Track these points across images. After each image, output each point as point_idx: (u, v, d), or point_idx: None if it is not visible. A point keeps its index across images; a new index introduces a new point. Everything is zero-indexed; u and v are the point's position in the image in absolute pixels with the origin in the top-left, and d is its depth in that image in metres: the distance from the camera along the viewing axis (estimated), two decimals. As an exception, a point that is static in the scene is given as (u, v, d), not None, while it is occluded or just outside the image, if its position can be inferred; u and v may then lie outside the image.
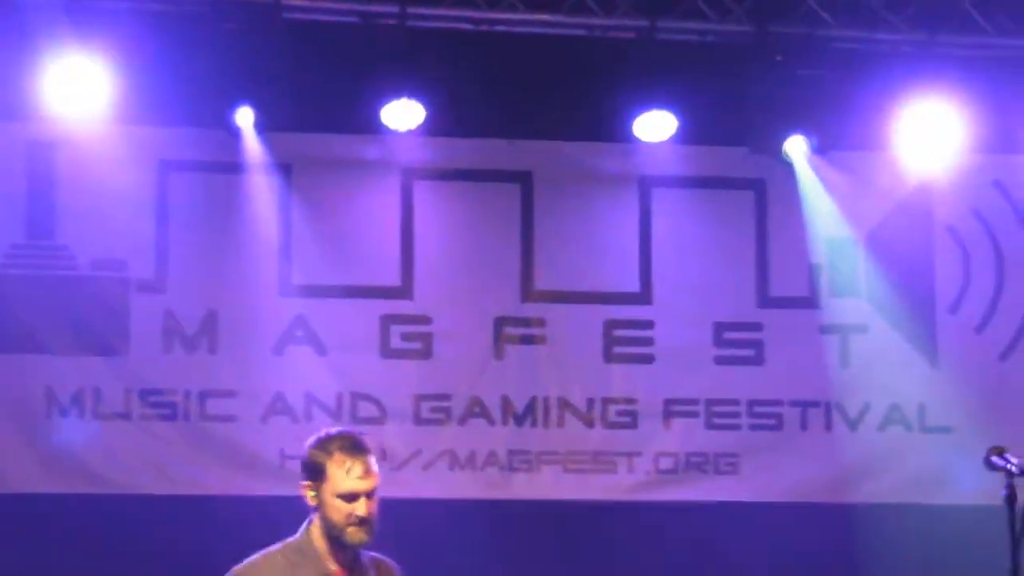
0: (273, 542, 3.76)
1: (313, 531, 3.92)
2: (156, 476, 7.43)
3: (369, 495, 3.74)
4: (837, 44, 7.58)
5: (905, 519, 7.90)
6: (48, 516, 7.34)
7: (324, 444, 3.84)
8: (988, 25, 7.60)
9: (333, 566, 3.95)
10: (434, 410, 7.70)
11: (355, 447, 3.80)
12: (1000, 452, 4.86)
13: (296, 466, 3.83)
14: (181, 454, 7.48)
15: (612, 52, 7.68)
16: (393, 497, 3.98)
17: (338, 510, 3.76)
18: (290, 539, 3.96)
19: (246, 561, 3.96)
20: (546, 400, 7.77)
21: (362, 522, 3.76)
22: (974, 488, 6.97)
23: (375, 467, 3.72)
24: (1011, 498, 4.58)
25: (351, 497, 3.75)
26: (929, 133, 7.57)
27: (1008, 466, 4.69)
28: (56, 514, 7.31)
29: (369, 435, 3.99)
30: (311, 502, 3.83)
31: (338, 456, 3.79)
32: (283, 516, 4.03)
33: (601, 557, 7.62)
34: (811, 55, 7.44)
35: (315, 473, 3.82)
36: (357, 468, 3.74)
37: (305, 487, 3.82)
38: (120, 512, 7.30)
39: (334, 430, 3.97)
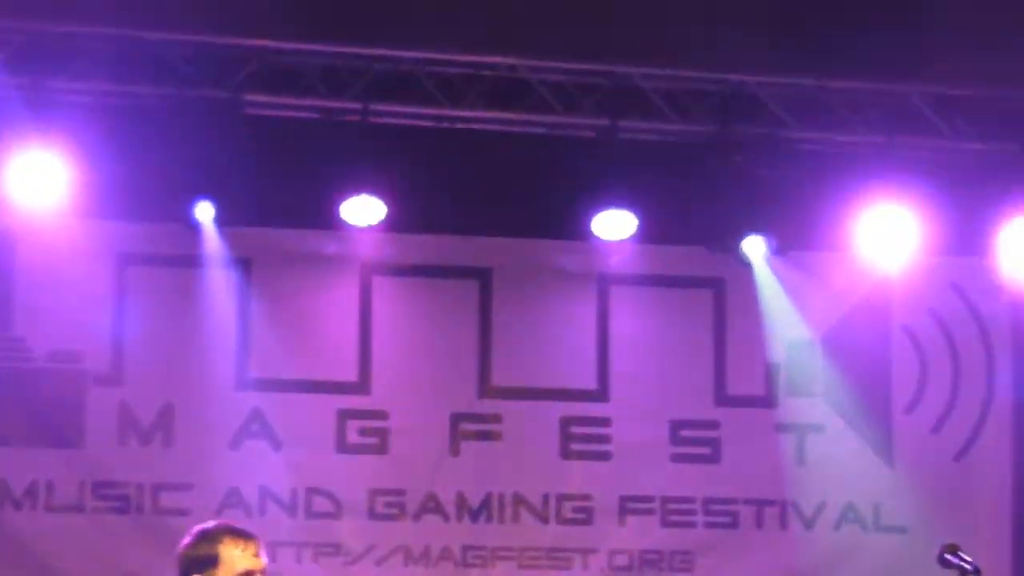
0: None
1: None
2: (108, 569, 7.41)
3: (264, 574, 3.81)
4: (797, 145, 7.75)
5: (860, 617, 8.00)
6: (1, 608, 7.22)
7: (207, 535, 3.86)
8: (946, 128, 7.75)
9: None
10: (389, 504, 7.73)
11: (242, 530, 3.86)
12: (954, 550, 4.99)
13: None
14: (134, 547, 7.45)
15: (573, 150, 7.75)
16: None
17: None
18: None
19: None
20: (501, 496, 7.82)
21: None
22: (929, 586, 7.06)
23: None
24: (964, 595, 4.72)
25: None
26: (888, 234, 7.62)
27: (962, 564, 4.84)
28: (9, 606, 7.20)
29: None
30: None
31: (228, 540, 3.82)
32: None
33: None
34: (771, 155, 7.55)
35: (206, 564, 3.81)
36: (251, 547, 3.80)
37: None
38: (73, 605, 7.36)
39: (209, 523, 3.98)
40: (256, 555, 3.90)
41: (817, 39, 7.97)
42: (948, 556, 4.96)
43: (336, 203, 7.46)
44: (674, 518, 7.95)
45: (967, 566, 4.93)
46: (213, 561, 3.86)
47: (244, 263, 7.69)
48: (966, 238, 8.08)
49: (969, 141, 7.88)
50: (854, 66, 7.91)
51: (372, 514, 7.75)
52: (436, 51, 7.84)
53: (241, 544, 3.89)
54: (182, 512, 7.49)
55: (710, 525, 7.98)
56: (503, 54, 7.93)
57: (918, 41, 8.38)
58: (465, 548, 7.85)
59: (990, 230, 8.04)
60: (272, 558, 4.19)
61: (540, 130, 7.74)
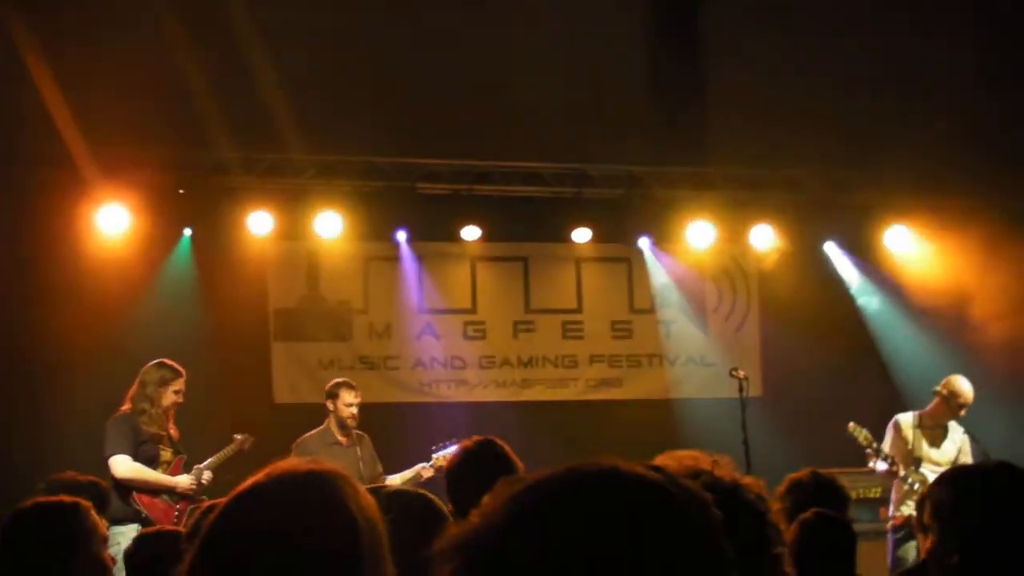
0: None
1: (331, 424, 10.78)
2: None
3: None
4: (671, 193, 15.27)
5: None
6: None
7: (337, 385, 10.89)
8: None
9: (342, 437, 10.57)
10: (487, 359, 14.79)
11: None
12: (735, 370, 11.88)
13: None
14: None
15: (556, 204, 14.38)
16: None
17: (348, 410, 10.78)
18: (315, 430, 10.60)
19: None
20: (533, 356, 14.83)
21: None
22: None
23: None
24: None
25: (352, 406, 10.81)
26: (700, 238, 14.77)
27: (738, 376, 11.99)
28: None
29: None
30: (330, 407, 10.74)
31: (344, 388, 10.88)
32: None
33: None
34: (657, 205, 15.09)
35: (331, 395, 10.79)
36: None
37: (328, 402, 10.71)
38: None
39: (340, 380, 10.97)
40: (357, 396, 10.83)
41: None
42: (732, 373, 12.23)
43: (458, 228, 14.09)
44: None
45: (741, 375, 12.19)
46: (336, 395, 10.85)
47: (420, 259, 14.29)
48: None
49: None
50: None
51: (479, 365, 14.41)
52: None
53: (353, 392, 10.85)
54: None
55: (632, 364, 14.90)
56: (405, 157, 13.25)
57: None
58: (518, 357, 14.69)
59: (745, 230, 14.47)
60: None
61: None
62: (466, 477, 5.40)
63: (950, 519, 3.42)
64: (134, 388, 9.91)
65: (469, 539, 1.40)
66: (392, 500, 4.42)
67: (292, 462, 2.32)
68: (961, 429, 10.99)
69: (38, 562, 4.21)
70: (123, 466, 9.55)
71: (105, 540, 4.54)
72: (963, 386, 10.79)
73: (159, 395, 9.85)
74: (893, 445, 10.67)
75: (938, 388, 10.89)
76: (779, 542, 3.17)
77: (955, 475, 3.69)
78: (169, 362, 10.08)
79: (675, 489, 1.43)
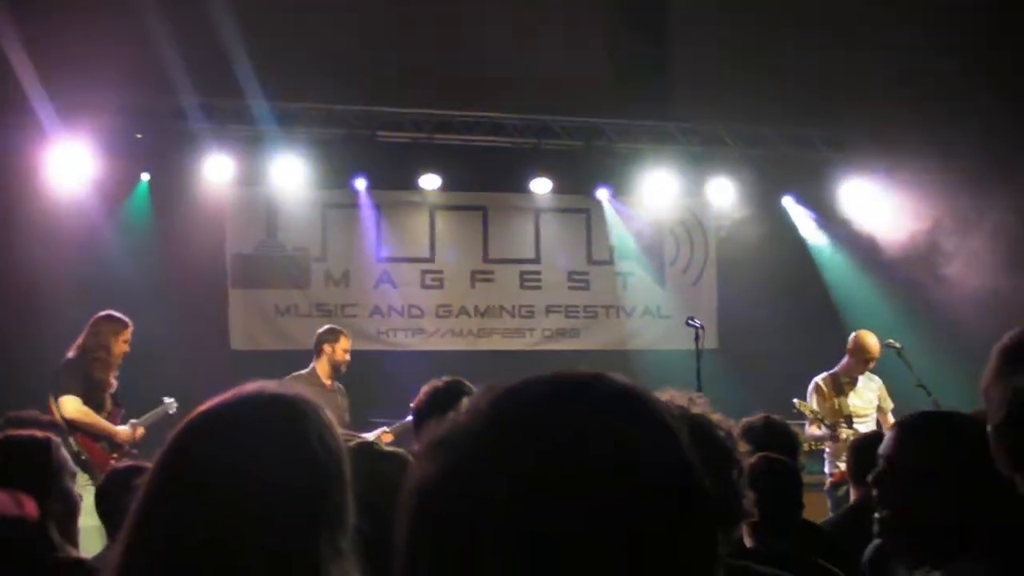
0: None
1: (318, 368, 10.81)
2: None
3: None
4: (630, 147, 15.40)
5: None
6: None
7: (335, 331, 11.05)
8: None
9: (327, 381, 10.62)
10: (444, 308, 14.86)
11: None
12: (691, 319, 11.56)
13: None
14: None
15: (518, 152, 14.23)
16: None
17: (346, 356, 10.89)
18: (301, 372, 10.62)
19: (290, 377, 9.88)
20: (490, 305, 14.87)
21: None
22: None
23: None
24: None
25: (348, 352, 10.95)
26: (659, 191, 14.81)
27: (694, 324, 10.83)
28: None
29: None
30: (326, 350, 10.72)
31: (344, 335, 11.00)
32: None
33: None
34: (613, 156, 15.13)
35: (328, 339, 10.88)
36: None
37: (323, 345, 10.77)
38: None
39: (335, 326, 11.13)
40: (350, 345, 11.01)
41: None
42: (689, 322, 12.36)
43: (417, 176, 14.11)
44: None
45: (697, 323, 12.31)
46: (332, 340, 10.90)
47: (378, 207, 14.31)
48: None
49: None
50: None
51: (436, 314, 14.57)
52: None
53: (344, 339, 10.92)
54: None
55: (589, 315, 15.07)
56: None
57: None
58: (475, 307, 14.64)
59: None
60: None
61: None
62: (434, 415, 5.42)
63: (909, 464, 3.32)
64: (84, 337, 9.89)
65: (452, 437, 1.41)
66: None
67: (262, 384, 2.24)
68: (874, 376, 11.24)
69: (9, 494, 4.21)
70: (72, 406, 9.57)
71: (74, 475, 4.53)
72: (870, 340, 11.01)
73: (112, 343, 9.90)
74: (820, 406, 10.84)
75: (849, 344, 11.14)
76: (741, 481, 3.34)
77: (904, 425, 3.57)
78: (117, 313, 10.08)
79: (655, 398, 1.45)
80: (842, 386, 10.99)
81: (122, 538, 2.00)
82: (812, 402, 10.87)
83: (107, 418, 9.90)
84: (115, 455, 9.72)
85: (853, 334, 11.22)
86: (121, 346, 9.96)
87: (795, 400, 10.85)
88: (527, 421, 1.38)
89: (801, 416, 10.74)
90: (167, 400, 10.46)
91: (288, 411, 2.14)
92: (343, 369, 11.00)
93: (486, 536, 1.33)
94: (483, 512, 1.33)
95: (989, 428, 2.44)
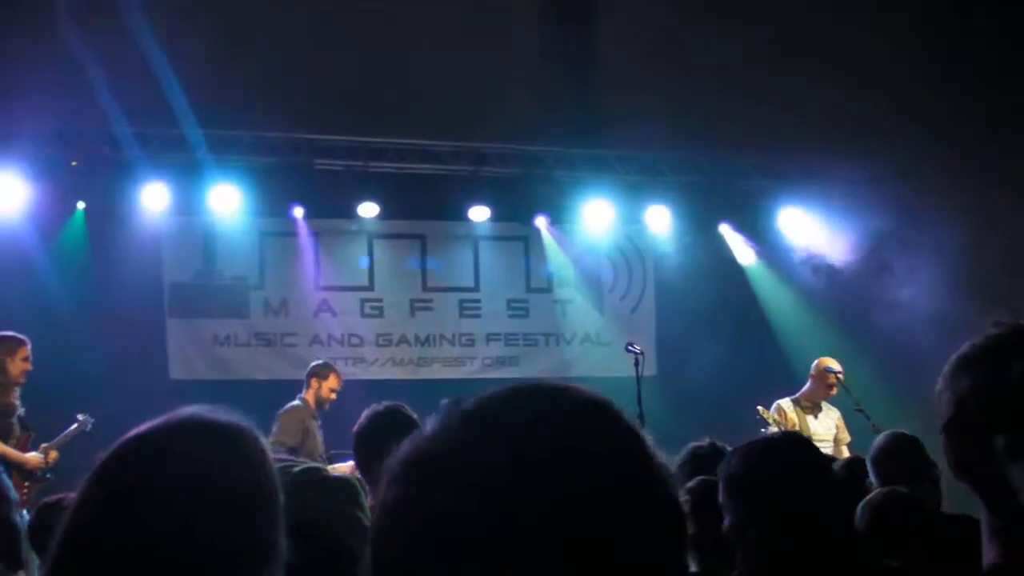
0: None
1: (308, 398, 10.86)
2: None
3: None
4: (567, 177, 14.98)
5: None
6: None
7: (327, 366, 11.14)
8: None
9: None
10: (384, 337, 14.68)
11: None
12: (630, 344, 11.65)
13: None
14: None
15: (455, 181, 14.07)
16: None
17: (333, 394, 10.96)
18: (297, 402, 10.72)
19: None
20: (431, 334, 14.88)
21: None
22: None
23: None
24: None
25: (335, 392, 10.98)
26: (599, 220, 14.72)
27: (633, 350, 10.81)
28: None
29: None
30: (313, 384, 10.83)
31: (334, 372, 11.05)
32: None
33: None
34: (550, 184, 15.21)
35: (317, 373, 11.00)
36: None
37: (311, 379, 10.87)
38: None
39: (327, 362, 11.24)
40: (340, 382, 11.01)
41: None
42: (628, 348, 12.27)
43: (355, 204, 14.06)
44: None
45: (637, 349, 12.29)
46: (325, 375, 10.99)
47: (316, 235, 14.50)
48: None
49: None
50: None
51: (376, 343, 14.47)
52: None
53: (334, 375, 10.99)
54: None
55: (528, 343, 15.03)
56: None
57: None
58: (416, 336, 14.68)
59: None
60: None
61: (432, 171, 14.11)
62: (374, 440, 5.42)
63: (741, 494, 3.55)
64: None
65: (425, 456, 1.41)
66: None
67: (196, 409, 2.14)
68: (833, 407, 11.28)
69: None
70: None
71: (16, 504, 4.45)
72: (834, 364, 11.05)
73: (8, 364, 9.43)
74: (785, 426, 10.85)
75: (814, 370, 11.14)
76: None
77: (741, 450, 3.77)
78: (10, 333, 9.62)
79: (617, 407, 1.48)
80: (805, 411, 11.05)
81: (47, 566, 1.97)
82: (770, 428, 10.80)
83: (16, 445, 9.46)
84: (27, 484, 9.37)
85: (816, 360, 11.23)
86: (20, 365, 9.45)
87: (759, 407, 10.91)
88: (499, 436, 1.38)
89: (742, 439, 10.71)
90: (80, 417, 10.21)
91: (221, 438, 2.07)
92: (326, 407, 11.01)
93: (462, 553, 1.32)
94: (457, 529, 1.33)
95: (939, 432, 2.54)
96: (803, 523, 3.43)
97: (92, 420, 10.20)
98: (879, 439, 6.35)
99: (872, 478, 6.19)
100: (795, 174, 14.56)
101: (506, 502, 1.33)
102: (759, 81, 13.09)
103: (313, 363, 11.40)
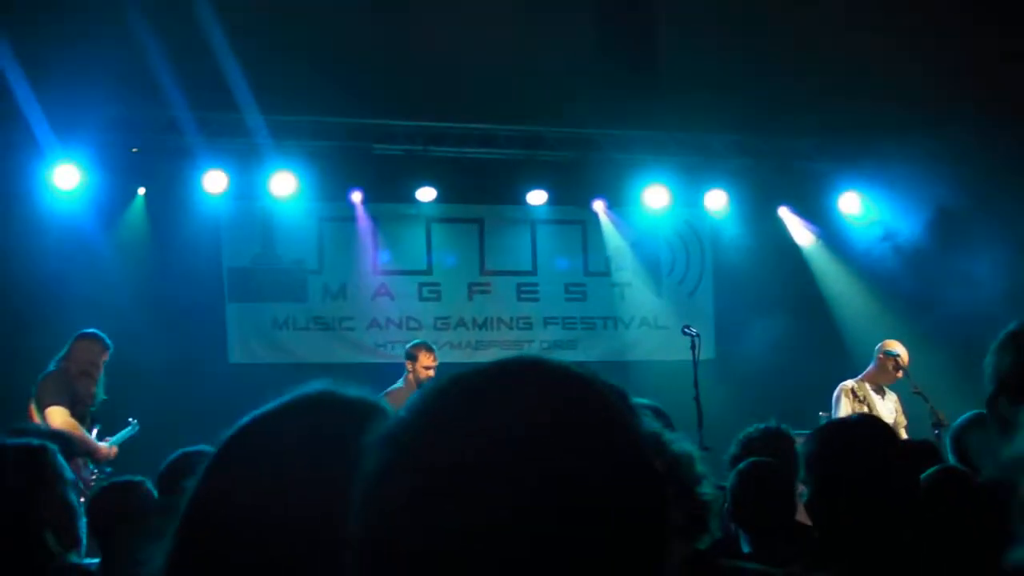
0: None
1: (409, 381, 10.92)
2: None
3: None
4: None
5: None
6: None
7: (416, 347, 11.10)
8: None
9: None
10: (442, 320, 14.57)
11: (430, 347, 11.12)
12: (687, 328, 11.76)
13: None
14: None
15: (512, 164, 14.04)
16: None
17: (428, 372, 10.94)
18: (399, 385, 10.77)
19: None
20: (488, 317, 14.72)
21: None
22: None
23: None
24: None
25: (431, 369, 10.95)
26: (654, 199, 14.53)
27: (690, 332, 10.73)
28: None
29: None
30: (408, 367, 10.95)
31: (423, 350, 11.11)
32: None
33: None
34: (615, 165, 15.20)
35: (410, 355, 11.02)
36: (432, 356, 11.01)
37: (407, 361, 10.97)
38: None
39: (419, 341, 11.23)
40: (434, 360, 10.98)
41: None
42: (685, 330, 12.36)
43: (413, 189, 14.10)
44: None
45: (693, 332, 12.32)
46: (415, 357, 11.00)
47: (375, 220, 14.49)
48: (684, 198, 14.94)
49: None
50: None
51: (434, 326, 14.46)
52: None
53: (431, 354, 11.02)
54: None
55: (587, 326, 15.11)
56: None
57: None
58: (473, 319, 14.75)
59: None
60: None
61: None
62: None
63: (817, 470, 3.68)
64: (69, 351, 9.90)
65: (396, 433, 1.39)
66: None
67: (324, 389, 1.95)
68: (891, 390, 11.17)
69: (5, 501, 4.15)
70: (60, 418, 9.47)
71: (73, 484, 4.48)
72: (902, 347, 10.95)
73: (98, 360, 9.96)
74: (852, 411, 10.66)
75: (879, 351, 11.01)
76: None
77: (821, 430, 3.94)
78: (99, 333, 10.09)
79: (599, 380, 1.44)
80: (869, 393, 10.90)
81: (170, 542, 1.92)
82: (841, 406, 10.73)
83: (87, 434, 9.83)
84: (94, 473, 9.64)
85: (883, 342, 11.11)
86: (101, 365, 10.00)
87: (821, 414, 10.84)
88: (472, 409, 1.36)
89: (798, 424, 10.68)
90: (131, 420, 10.49)
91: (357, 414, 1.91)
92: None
93: (432, 529, 1.31)
94: (429, 504, 1.31)
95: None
96: (876, 502, 3.54)
97: (138, 424, 10.48)
98: (964, 417, 6.27)
99: (951, 455, 6.14)
100: (855, 154, 14.47)
101: (473, 475, 1.31)
102: (818, 61, 12.97)
103: (408, 345, 11.52)
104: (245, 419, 1.97)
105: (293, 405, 1.94)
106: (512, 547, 1.29)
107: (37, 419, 9.36)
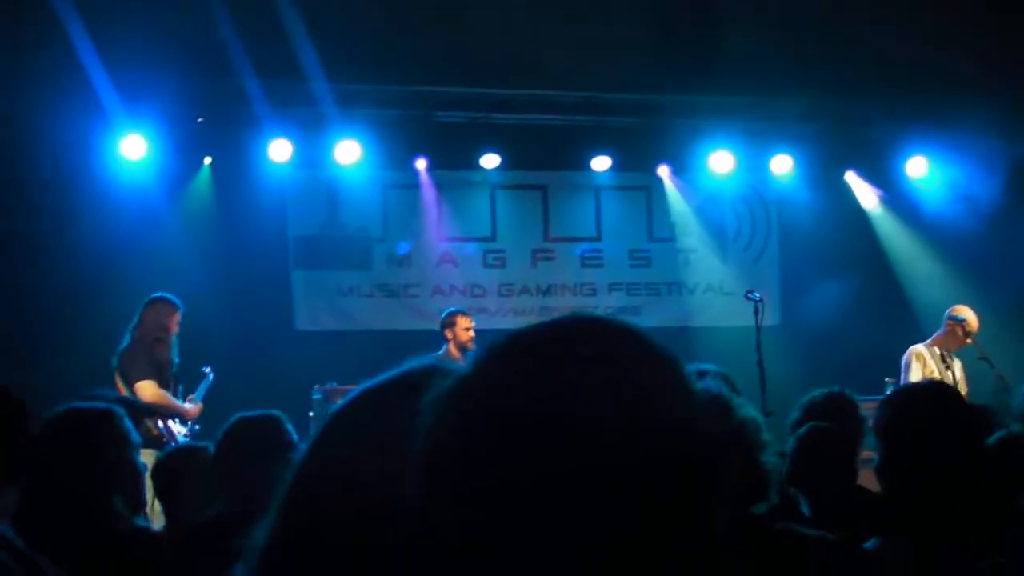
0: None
1: (451, 349, 11.21)
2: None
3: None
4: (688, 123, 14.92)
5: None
6: None
7: (451, 314, 11.43)
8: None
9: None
10: (506, 286, 14.54)
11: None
12: (750, 292, 10.89)
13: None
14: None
15: (574, 131, 14.21)
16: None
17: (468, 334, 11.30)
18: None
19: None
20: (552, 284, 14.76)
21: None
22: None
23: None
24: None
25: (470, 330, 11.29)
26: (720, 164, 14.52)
27: (753, 298, 10.70)
28: None
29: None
30: (448, 335, 11.29)
31: (459, 315, 11.41)
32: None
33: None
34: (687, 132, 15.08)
35: (447, 323, 11.35)
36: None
37: (445, 331, 11.27)
38: None
39: (453, 309, 11.54)
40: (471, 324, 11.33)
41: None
42: (748, 295, 12.43)
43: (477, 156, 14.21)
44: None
45: (756, 296, 12.34)
46: (453, 324, 11.39)
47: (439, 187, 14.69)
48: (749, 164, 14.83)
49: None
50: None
51: (499, 293, 14.62)
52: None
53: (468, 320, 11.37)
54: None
55: (651, 292, 15.11)
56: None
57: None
58: (537, 286, 14.76)
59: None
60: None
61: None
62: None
63: (887, 436, 3.71)
64: (142, 318, 10.16)
65: (459, 390, 1.41)
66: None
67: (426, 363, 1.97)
68: (957, 357, 11.09)
69: (73, 464, 4.23)
70: (150, 391, 9.74)
71: (138, 447, 4.55)
72: (972, 313, 10.88)
73: (169, 323, 10.18)
74: (923, 375, 10.60)
75: (949, 317, 10.93)
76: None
77: (891, 397, 4.02)
78: (170, 296, 10.35)
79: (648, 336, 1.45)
80: (942, 358, 10.84)
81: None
82: (913, 370, 10.68)
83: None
84: (185, 433, 9.99)
85: (954, 307, 11.08)
86: (174, 328, 10.21)
87: (887, 380, 10.81)
88: (516, 380, 1.37)
89: (865, 391, 10.63)
90: (205, 370, 10.72)
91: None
92: (470, 347, 11.30)
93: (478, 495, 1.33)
94: (493, 468, 1.33)
95: None
96: (942, 469, 3.56)
97: (213, 371, 10.70)
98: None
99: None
100: (924, 119, 14.26)
101: (533, 437, 1.32)
102: (885, 24, 12.81)
103: (442, 315, 11.77)
104: (352, 394, 1.95)
105: (398, 383, 1.93)
106: (565, 503, 1.30)
107: (125, 394, 9.56)
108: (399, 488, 1.64)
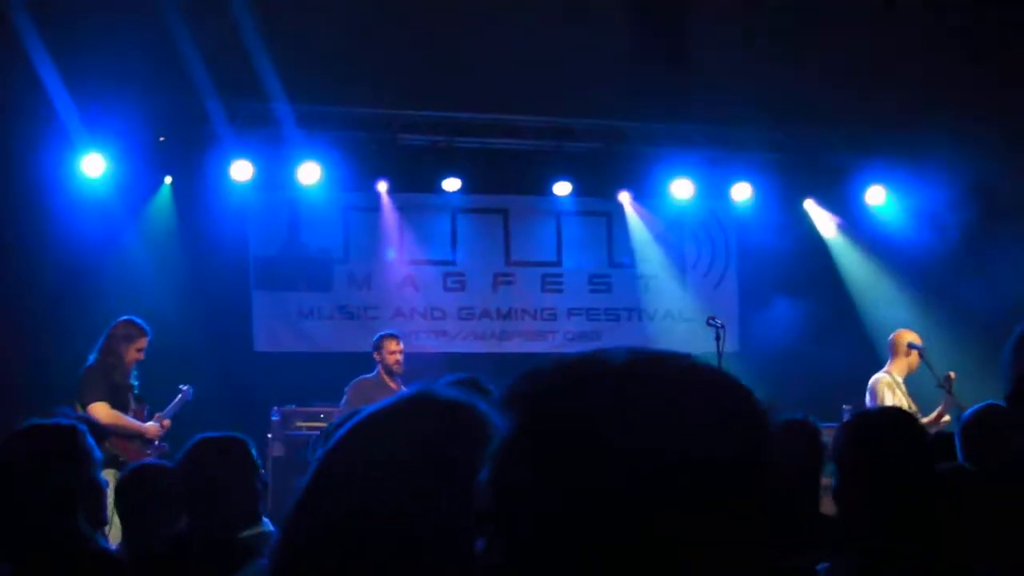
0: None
1: (381, 371, 11.15)
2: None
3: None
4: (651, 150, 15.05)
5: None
6: None
7: (380, 337, 11.42)
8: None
9: (390, 383, 11.05)
10: (466, 311, 14.50)
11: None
12: (712, 319, 11.46)
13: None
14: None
15: (538, 155, 14.12)
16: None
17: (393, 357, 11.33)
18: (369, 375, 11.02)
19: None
20: (512, 308, 14.70)
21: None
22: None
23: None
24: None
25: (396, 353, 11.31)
26: (679, 191, 14.48)
27: (715, 324, 11.11)
28: None
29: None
30: (376, 358, 11.28)
31: (387, 339, 11.42)
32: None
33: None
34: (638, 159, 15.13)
35: (376, 347, 11.33)
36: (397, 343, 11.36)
37: (374, 353, 11.26)
38: None
39: (383, 332, 11.53)
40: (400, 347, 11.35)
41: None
42: (710, 322, 12.41)
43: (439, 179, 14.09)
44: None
45: (718, 323, 12.33)
46: (381, 347, 11.40)
47: (400, 210, 14.90)
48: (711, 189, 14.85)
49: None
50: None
51: (459, 316, 14.59)
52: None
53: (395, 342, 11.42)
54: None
55: (611, 318, 15.05)
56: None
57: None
58: (498, 309, 14.66)
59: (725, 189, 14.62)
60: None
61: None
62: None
63: (843, 462, 3.80)
64: (103, 341, 10.19)
65: (527, 389, 1.48)
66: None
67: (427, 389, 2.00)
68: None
69: (36, 481, 4.19)
70: (103, 412, 9.82)
71: (101, 464, 4.53)
72: (915, 335, 10.94)
73: (125, 350, 10.17)
74: (898, 402, 10.65)
75: (909, 344, 11.00)
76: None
77: (849, 423, 4.11)
78: (137, 321, 10.36)
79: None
80: (903, 385, 10.89)
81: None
82: (887, 399, 10.64)
83: (133, 417, 10.23)
84: (148, 451, 9.98)
85: (898, 333, 11.15)
86: (133, 354, 10.22)
87: (845, 406, 11.06)
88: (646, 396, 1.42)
89: (824, 417, 10.65)
90: (183, 387, 10.81)
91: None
92: (396, 370, 11.36)
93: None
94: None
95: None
96: (897, 494, 3.64)
97: (192, 389, 10.82)
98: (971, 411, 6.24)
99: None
100: (881, 149, 14.38)
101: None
102: (843, 55, 12.93)
103: (374, 338, 11.86)
104: (357, 418, 2.00)
105: (396, 410, 1.98)
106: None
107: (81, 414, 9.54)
108: (391, 513, 1.83)
